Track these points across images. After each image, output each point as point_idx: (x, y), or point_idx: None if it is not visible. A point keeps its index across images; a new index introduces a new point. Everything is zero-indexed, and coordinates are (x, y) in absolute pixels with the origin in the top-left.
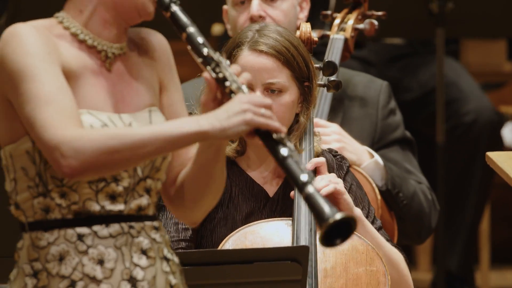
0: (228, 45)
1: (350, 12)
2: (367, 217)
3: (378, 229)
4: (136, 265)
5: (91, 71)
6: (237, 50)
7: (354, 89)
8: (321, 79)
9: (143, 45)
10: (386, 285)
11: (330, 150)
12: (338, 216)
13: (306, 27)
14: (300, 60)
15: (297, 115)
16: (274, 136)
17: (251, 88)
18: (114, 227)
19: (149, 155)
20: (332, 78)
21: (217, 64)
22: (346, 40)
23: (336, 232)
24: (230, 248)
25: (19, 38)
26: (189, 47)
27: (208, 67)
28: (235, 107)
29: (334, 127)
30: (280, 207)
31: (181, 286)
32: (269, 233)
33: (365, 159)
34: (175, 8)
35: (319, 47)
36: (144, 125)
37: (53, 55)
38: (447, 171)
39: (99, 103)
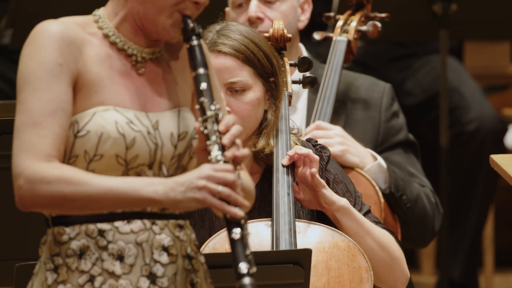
0: None
1: (353, 14)
2: (354, 205)
3: (366, 213)
4: (156, 261)
5: (119, 72)
6: None
7: (357, 91)
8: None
9: (177, 43)
10: (369, 281)
11: (310, 140)
12: None
13: (278, 24)
14: (261, 56)
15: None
16: (227, 216)
17: None
18: (136, 223)
19: (102, 209)
20: (307, 74)
21: (206, 119)
22: (349, 42)
23: None
24: (210, 252)
25: (39, 42)
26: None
27: (200, 118)
28: (193, 182)
29: (337, 130)
30: (259, 204)
31: (204, 285)
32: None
33: (368, 162)
34: (195, 42)
35: (322, 49)
36: (172, 124)
37: (65, 67)
38: (451, 176)
39: (126, 102)
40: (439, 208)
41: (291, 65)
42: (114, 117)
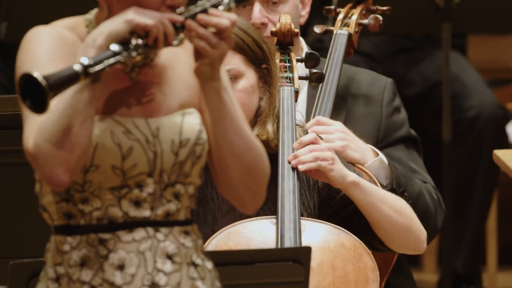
0: None
1: (354, 7)
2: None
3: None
4: (159, 270)
5: (114, 76)
6: None
7: (358, 86)
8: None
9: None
10: (375, 281)
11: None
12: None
13: (286, 19)
14: (251, 43)
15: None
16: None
17: None
18: (139, 232)
19: (81, 117)
20: (314, 70)
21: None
22: (350, 36)
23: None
24: (213, 250)
25: (31, 45)
26: None
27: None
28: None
29: (338, 125)
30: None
31: None
32: (253, 233)
33: (370, 157)
34: None
35: (322, 43)
36: (173, 131)
37: (58, 62)
38: (452, 170)
39: (124, 108)
40: (441, 205)
41: (298, 60)
42: (110, 127)
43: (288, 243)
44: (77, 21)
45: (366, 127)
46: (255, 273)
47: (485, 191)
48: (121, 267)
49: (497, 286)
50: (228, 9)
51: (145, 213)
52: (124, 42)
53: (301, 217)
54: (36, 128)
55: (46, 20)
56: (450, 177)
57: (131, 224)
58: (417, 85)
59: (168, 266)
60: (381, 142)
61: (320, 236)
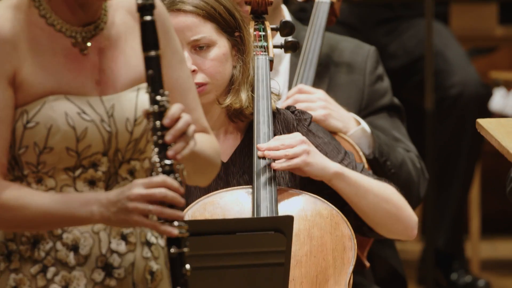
0: None
1: None
2: (348, 164)
3: (361, 171)
4: (113, 251)
5: (64, 55)
6: None
7: (341, 54)
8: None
9: (134, 12)
10: (352, 250)
11: (288, 107)
12: None
13: None
14: (223, 11)
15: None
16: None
17: None
18: None
19: (44, 229)
20: (289, 38)
21: (149, 114)
22: (332, 4)
23: None
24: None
25: None
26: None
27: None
28: (124, 204)
29: (320, 94)
30: (237, 171)
31: (165, 271)
32: (229, 203)
33: (352, 126)
34: (148, 18)
35: (306, 13)
36: (128, 108)
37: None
38: (435, 141)
39: (78, 87)
40: (424, 173)
41: (272, 29)
42: (64, 108)
43: (265, 212)
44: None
45: (349, 95)
46: (236, 242)
47: (467, 167)
48: (74, 247)
49: (480, 256)
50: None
51: (100, 192)
52: None
53: (278, 187)
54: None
55: None
56: (433, 148)
57: None
58: (400, 58)
59: (122, 247)
60: (364, 110)
61: (296, 205)
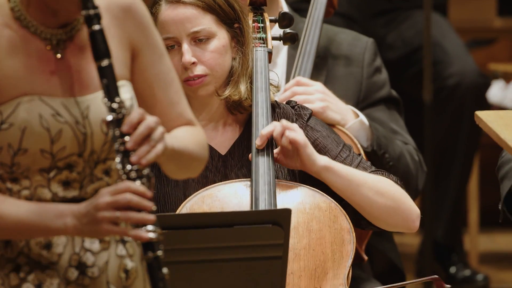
0: (146, 5)
1: None
2: (347, 156)
3: (360, 162)
4: (87, 250)
5: (38, 57)
6: (156, 7)
7: (339, 47)
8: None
9: (111, 9)
10: (351, 243)
11: (289, 102)
12: None
13: None
14: (222, 2)
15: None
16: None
17: (177, 42)
18: None
19: (17, 238)
20: (288, 30)
21: (109, 123)
22: None
23: None
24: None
25: None
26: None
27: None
28: (93, 214)
29: (318, 86)
30: (235, 164)
31: (140, 268)
32: (227, 196)
33: (350, 119)
34: (97, 27)
35: (302, 4)
36: (103, 109)
37: None
38: (433, 134)
39: (52, 88)
40: (422, 166)
41: (271, 21)
42: (38, 109)
43: (263, 205)
44: None
45: (347, 87)
46: (234, 235)
47: (465, 159)
48: (47, 246)
49: (479, 249)
50: None
51: (73, 193)
52: None
53: (276, 179)
54: None
55: None
56: (431, 140)
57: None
58: (397, 49)
59: (96, 245)
60: (362, 102)
61: (295, 198)
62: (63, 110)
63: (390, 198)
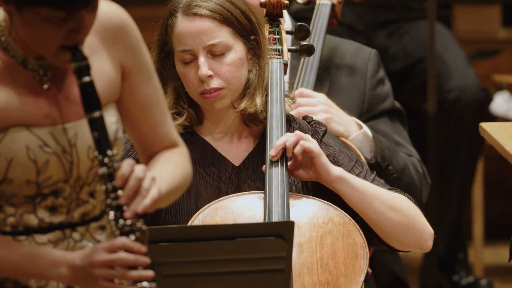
0: (163, 16)
1: None
2: (360, 173)
3: (372, 180)
4: None
5: (25, 86)
6: (172, 19)
7: (342, 57)
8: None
9: (102, 30)
10: (364, 258)
11: (305, 117)
12: None
13: None
14: (239, 15)
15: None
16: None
17: (194, 54)
18: (54, 233)
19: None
20: (304, 42)
21: (101, 177)
22: (333, 6)
23: None
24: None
25: None
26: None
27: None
28: (88, 270)
29: (321, 97)
30: (249, 176)
31: (125, 283)
32: (240, 208)
33: (353, 130)
34: (87, 79)
35: (305, 13)
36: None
37: None
38: (435, 146)
39: (39, 118)
40: (426, 178)
41: (287, 32)
42: (25, 141)
43: (276, 218)
44: None
45: (350, 99)
46: (237, 248)
47: (466, 173)
48: None
49: (484, 262)
50: None
51: (60, 217)
52: None
53: (290, 192)
54: None
55: None
56: (435, 152)
57: (47, 229)
58: (400, 60)
59: None
60: (365, 114)
61: (309, 211)
62: (50, 139)
63: (404, 215)
